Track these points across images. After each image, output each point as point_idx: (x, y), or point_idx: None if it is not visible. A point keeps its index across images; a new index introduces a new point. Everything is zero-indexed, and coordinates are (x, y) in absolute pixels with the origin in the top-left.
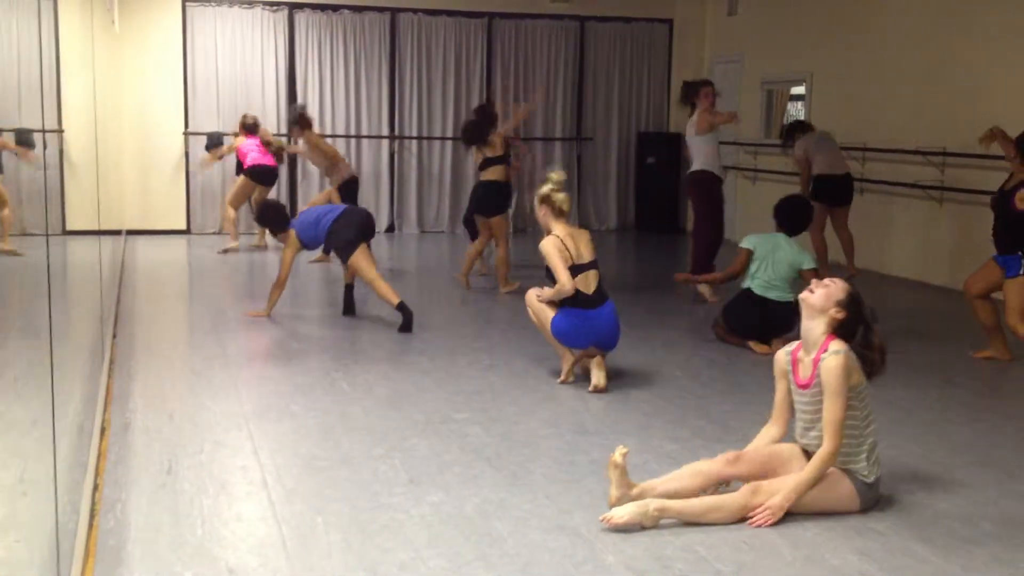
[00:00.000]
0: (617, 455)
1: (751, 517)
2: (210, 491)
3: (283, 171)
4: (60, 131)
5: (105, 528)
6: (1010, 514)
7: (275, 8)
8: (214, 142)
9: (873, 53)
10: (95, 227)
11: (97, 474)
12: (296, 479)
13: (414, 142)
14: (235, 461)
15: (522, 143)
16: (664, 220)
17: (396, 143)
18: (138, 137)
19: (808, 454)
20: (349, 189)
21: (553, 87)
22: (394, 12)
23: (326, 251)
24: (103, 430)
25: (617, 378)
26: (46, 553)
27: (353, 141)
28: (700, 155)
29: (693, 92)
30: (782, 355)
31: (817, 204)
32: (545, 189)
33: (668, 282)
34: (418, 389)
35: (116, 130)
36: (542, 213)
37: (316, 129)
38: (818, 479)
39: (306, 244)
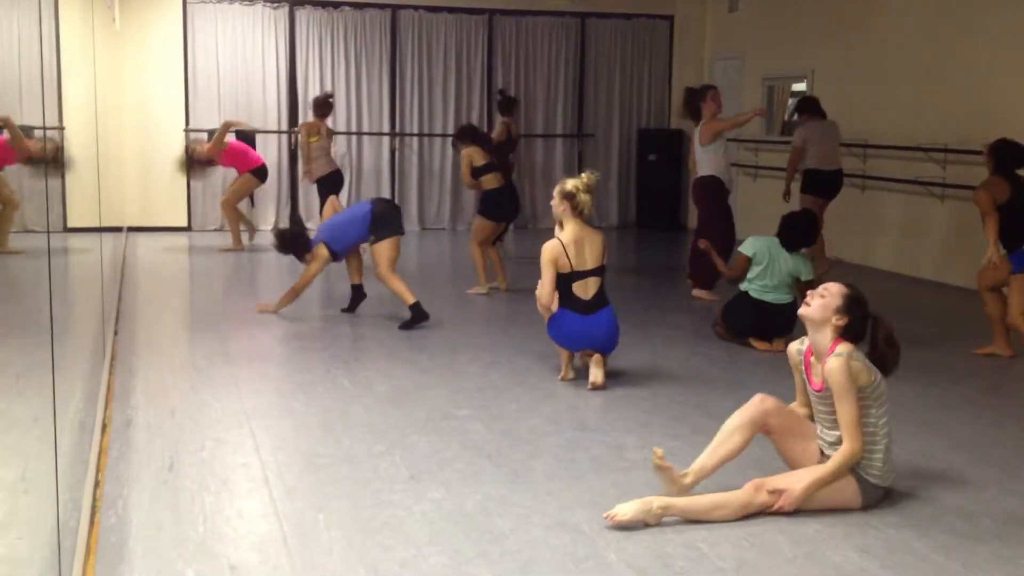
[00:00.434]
0: (656, 460)
1: (755, 514)
2: (211, 488)
3: (283, 169)
4: (61, 128)
5: (106, 525)
6: (1011, 511)
7: (276, 5)
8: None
9: (874, 51)
10: (96, 224)
11: (98, 471)
12: (297, 476)
13: (415, 139)
14: (236, 458)
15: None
16: (665, 217)
17: (397, 140)
18: (139, 134)
19: (823, 454)
20: (332, 183)
21: (554, 84)
22: (395, 9)
23: (374, 238)
24: (104, 427)
25: (618, 375)
26: (47, 550)
27: (354, 138)
28: (708, 164)
29: (699, 98)
30: (795, 349)
31: (808, 196)
32: (572, 185)
33: (669, 279)
34: (419, 386)
35: (117, 127)
36: (561, 208)
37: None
38: (838, 476)
39: (337, 253)
